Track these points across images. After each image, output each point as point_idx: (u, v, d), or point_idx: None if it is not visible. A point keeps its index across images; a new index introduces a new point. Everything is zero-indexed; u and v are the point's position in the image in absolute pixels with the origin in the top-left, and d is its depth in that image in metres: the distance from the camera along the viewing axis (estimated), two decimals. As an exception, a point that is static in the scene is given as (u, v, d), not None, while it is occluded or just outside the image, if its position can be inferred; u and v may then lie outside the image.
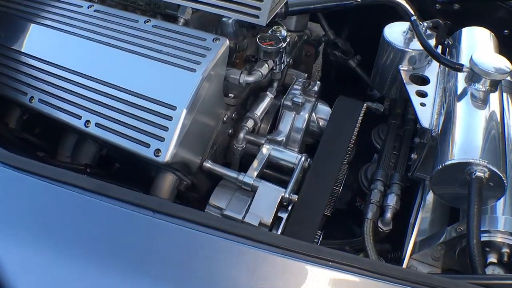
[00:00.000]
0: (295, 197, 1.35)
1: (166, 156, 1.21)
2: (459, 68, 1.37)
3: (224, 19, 1.47)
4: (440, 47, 1.63)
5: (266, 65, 1.44)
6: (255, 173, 1.40)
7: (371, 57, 1.75)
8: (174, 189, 1.44)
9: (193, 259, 0.94)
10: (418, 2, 1.81)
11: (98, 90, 1.31)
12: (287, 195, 1.35)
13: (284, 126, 1.59)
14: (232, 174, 1.40)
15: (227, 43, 1.29)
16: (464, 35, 1.63)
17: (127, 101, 1.27)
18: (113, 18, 1.41)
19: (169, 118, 1.22)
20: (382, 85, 1.70)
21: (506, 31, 1.86)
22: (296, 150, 1.59)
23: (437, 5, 1.88)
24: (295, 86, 1.65)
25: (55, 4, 1.49)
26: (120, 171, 1.65)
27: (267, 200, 1.36)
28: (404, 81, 1.55)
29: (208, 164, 1.42)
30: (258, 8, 1.28)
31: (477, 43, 1.58)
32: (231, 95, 1.49)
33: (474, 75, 1.37)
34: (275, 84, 1.60)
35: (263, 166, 1.44)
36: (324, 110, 1.64)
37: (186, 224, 0.95)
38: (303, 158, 1.43)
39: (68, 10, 1.47)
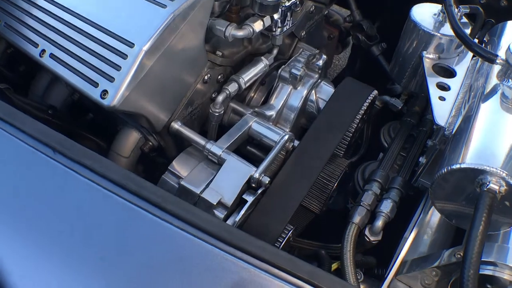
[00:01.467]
0: (266, 180, 1.09)
1: (114, 99, 0.98)
2: (491, 58, 1.07)
3: (226, -35, 1.23)
4: (476, 41, 1.32)
5: (261, 22, 1.17)
6: (227, 144, 1.14)
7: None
8: (137, 148, 1.21)
9: (88, 217, 0.70)
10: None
11: (59, 17, 1.10)
12: (257, 175, 1.08)
13: (277, 101, 1.32)
14: (200, 140, 1.15)
15: (212, -16, 1.05)
16: (508, 29, 1.30)
17: (86, 32, 1.05)
18: None
19: (124, 56, 0.98)
20: (401, 74, 1.40)
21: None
22: (287, 130, 1.32)
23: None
24: (299, 58, 1.38)
25: None
26: (92, 121, 1.43)
27: (233, 177, 1.10)
28: (426, 70, 1.25)
29: (176, 125, 1.17)
30: None
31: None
32: (219, 53, 1.23)
33: (509, 69, 1.06)
34: (275, 51, 1.33)
35: (239, 139, 1.18)
36: (327, 90, 1.35)
37: (90, 175, 0.71)
38: (286, 137, 1.16)
39: None
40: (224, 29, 1.13)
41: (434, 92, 1.18)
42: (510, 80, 1.06)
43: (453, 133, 1.08)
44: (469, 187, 0.93)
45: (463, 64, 1.29)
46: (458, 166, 0.91)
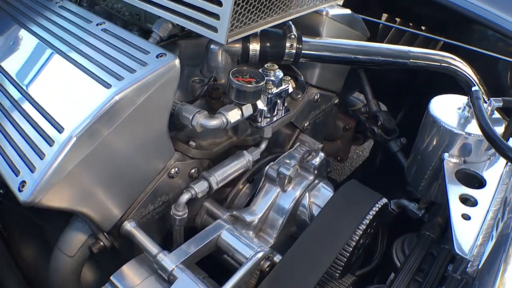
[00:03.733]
0: (225, 311, 0.79)
1: (31, 194, 0.74)
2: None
3: (212, 46, 1.03)
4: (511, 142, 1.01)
5: (238, 111, 0.93)
6: (183, 257, 0.86)
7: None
8: (85, 247, 0.96)
9: None
10: (492, 81, 1.22)
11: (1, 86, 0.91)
12: (213, 304, 0.79)
13: (262, 204, 1.04)
14: (152, 248, 0.88)
15: (174, 63, 0.82)
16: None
17: (21, 107, 0.85)
18: (70, 15, 1.01)
19: (50, 141, 0.76)
20: (418, 179, 1.09)
21: None
22: (271, 240, 1.03)
23: None
24: (293, 153, 1.11)
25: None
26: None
27: (183, 303, 0.81)
28: (447, 177, 0.94)
29: (128, 226, 0.91)
30: (216, 16, 0.81)
31: None
32: (192, 143, 0.99)
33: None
34: (263, 145, 1.06)
35: (202, 250, 0.90)
36: (324, 194, 1.06)
37: None
38: (259, 255, 0.87)
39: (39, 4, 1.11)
40: (191, 117, 0.90)
41: (456, 208, 0.86)
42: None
43: (479, 267, 0.75)
44: None
45: (495, 171, 0.97)
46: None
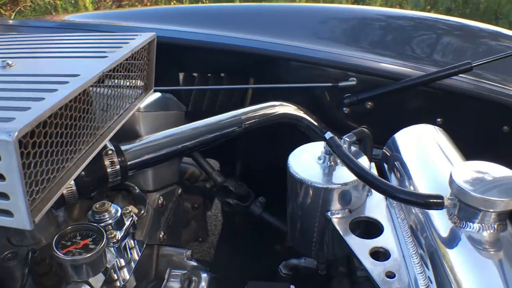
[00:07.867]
0: None
1: None
2: (437, 203, 0.69)
3: None
4: (372, 165, 0.98)
5: None
6: None
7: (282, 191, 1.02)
8: None
9: None
10: (316, 109, 1.21)
11: None
12: None
13: None
14: None
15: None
16: (401, 141, 0.98)
17: None
18: None
19: None
20: (307, 245, 0.97)
21: (439, 119, 1.27)
22: None
23: (344, 108, 1.27)
24: (170, 284, 0.87)
25: None
26: None
27: None
28: (345, 237, 0.83)
29: None
30: (5, 196, 0.53)
31: (427, 149, 0.93)
32: None
33: (468, 209, 0.69)
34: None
35: None
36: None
37: None
38: None
39: None
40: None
41: (375, 270, 0.75)
42: (469, 223, 0.70)
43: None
44: None
45: (380, 205, 0.91)
46: None
